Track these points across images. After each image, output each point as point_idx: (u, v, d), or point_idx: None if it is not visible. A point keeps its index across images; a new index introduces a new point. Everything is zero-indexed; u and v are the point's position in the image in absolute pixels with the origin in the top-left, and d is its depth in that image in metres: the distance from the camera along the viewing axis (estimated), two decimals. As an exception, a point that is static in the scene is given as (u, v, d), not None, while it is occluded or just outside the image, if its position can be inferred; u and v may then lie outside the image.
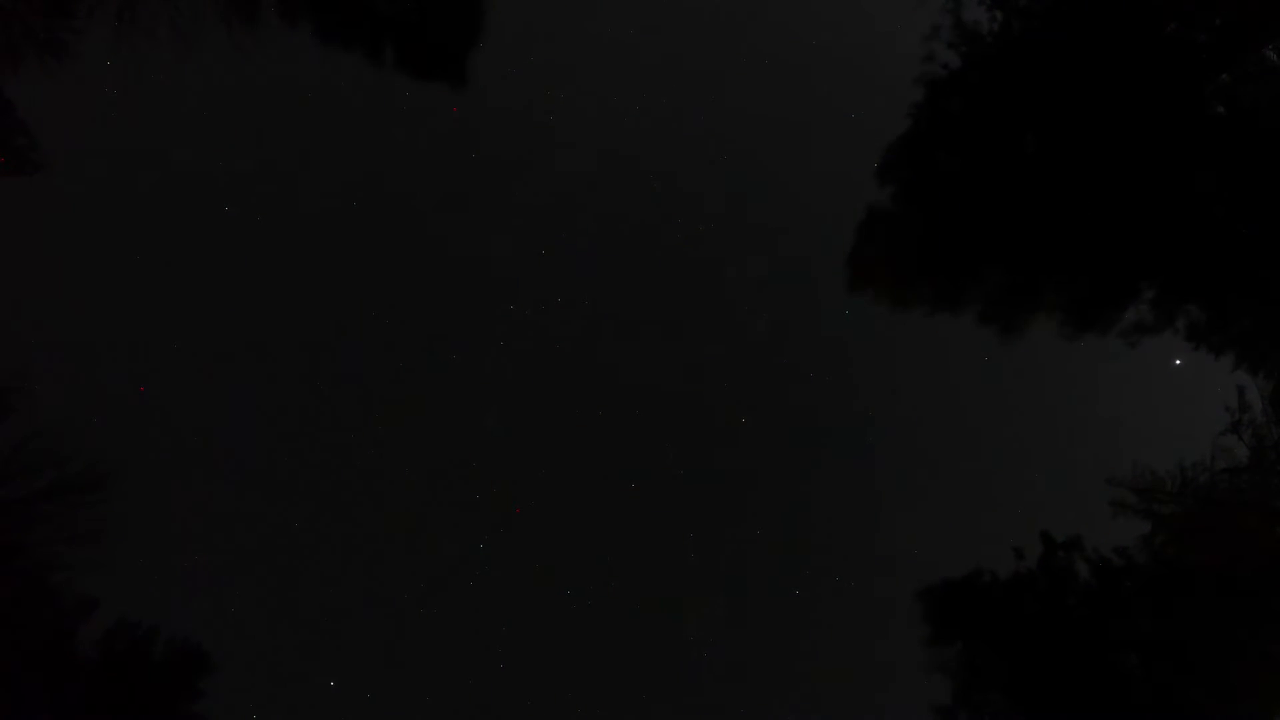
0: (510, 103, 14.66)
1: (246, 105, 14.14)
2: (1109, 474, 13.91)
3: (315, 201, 14.56)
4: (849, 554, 14.98)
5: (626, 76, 15.07)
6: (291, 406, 14.52)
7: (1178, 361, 13.51)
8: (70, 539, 12.91)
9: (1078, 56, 12.52)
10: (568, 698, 14.35)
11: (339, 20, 13.48)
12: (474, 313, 14.83)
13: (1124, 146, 12.64)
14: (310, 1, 13.33)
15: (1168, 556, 13.66)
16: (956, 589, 13.71)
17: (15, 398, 12.70)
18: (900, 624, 14.19)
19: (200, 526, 13.84)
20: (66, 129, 13.46)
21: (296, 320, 14.62)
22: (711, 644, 14.69)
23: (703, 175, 15.26)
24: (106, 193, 13.93)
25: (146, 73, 13.26)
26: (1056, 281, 13.81)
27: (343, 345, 14.73)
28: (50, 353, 13.23)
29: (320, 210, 14.59)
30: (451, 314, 14.75)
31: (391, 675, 14.13)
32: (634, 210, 15.06)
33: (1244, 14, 12.27)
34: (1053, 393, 15.27)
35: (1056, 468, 15.03)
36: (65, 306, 13.73)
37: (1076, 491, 14.46)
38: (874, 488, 15.30)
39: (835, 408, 15.46)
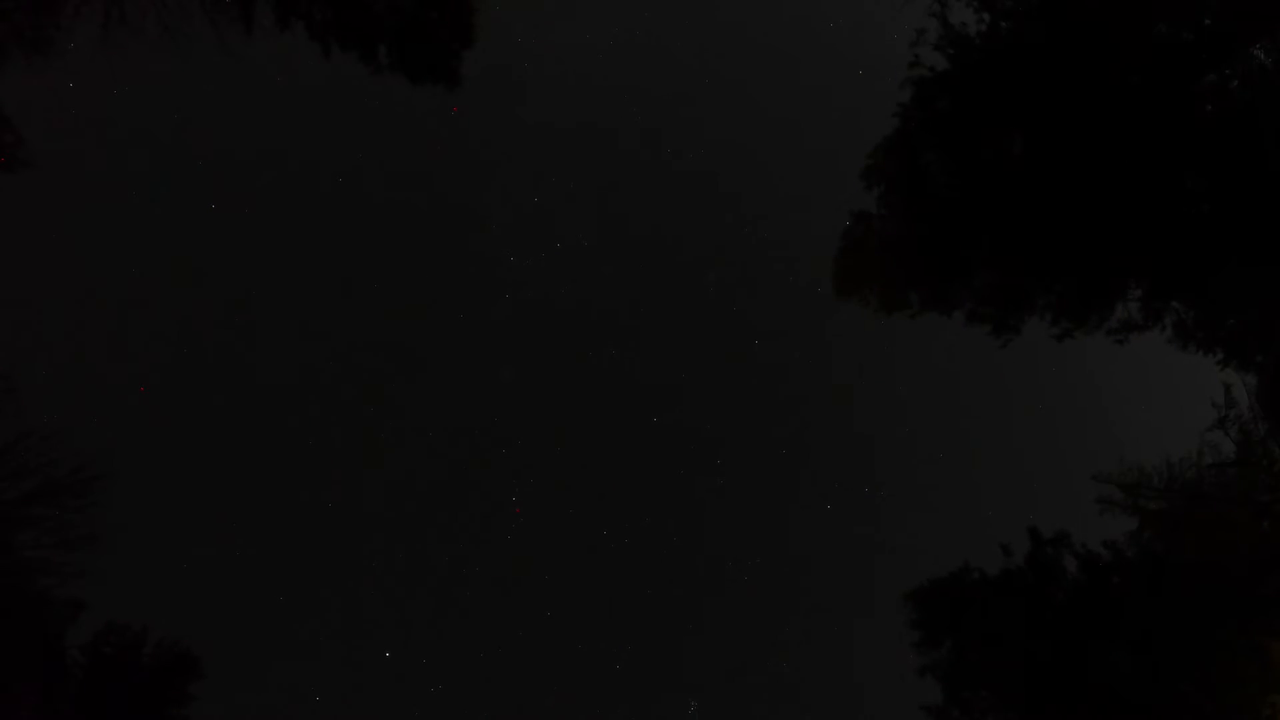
0: (504, 76, 14.59)
1: (236, 102, 14.12)
2: (1096, 470, 14.00)
3: (309, 190, 14.54)
4: (841, 549, 15.04)
5: (623, 69, 15.09)
6: (298, 395, 14.48)
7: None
8: (59, 542, 12.84)
9: (1066, 56, 12.56)
10: (614, 636, 14.37)
11: (329, 16, 13.42)
12: (475, 271, 14.76)
13: (1112, 146, 12.69)
14: None
15: (1155, 551, 13.74)
16: (944, 585, 13.77)
17: (6, 399, 12.61)
18: (891, 621, 14.27)
19: (204, 518, 13.79)
20: (55, 126, 13.41)
21: (297, 312, 14.60)
22: (744, 580, 14.55)
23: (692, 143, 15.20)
24: (100, 192, 13.90)
25: (134, 71, 13.19)
26: (1045, 280, 13.87)
27: (343, 333, 14.71)
28: (50, 352, 13.19)
29: (316, 200, 14.57)
30: (453, 277, 14.69)
31: (442, 639, 14.08)
32: (625, 181, 15.01)
33: (1232, 14, 12.34)
34: (1041, 390, 15.38)
35: (1045, 464, 15.14)
36: (60, 306, 13.68)
37: (1065, 488, 14.58)
38: (865, 484, 15.36)
39: (827, 405, 15.50)
